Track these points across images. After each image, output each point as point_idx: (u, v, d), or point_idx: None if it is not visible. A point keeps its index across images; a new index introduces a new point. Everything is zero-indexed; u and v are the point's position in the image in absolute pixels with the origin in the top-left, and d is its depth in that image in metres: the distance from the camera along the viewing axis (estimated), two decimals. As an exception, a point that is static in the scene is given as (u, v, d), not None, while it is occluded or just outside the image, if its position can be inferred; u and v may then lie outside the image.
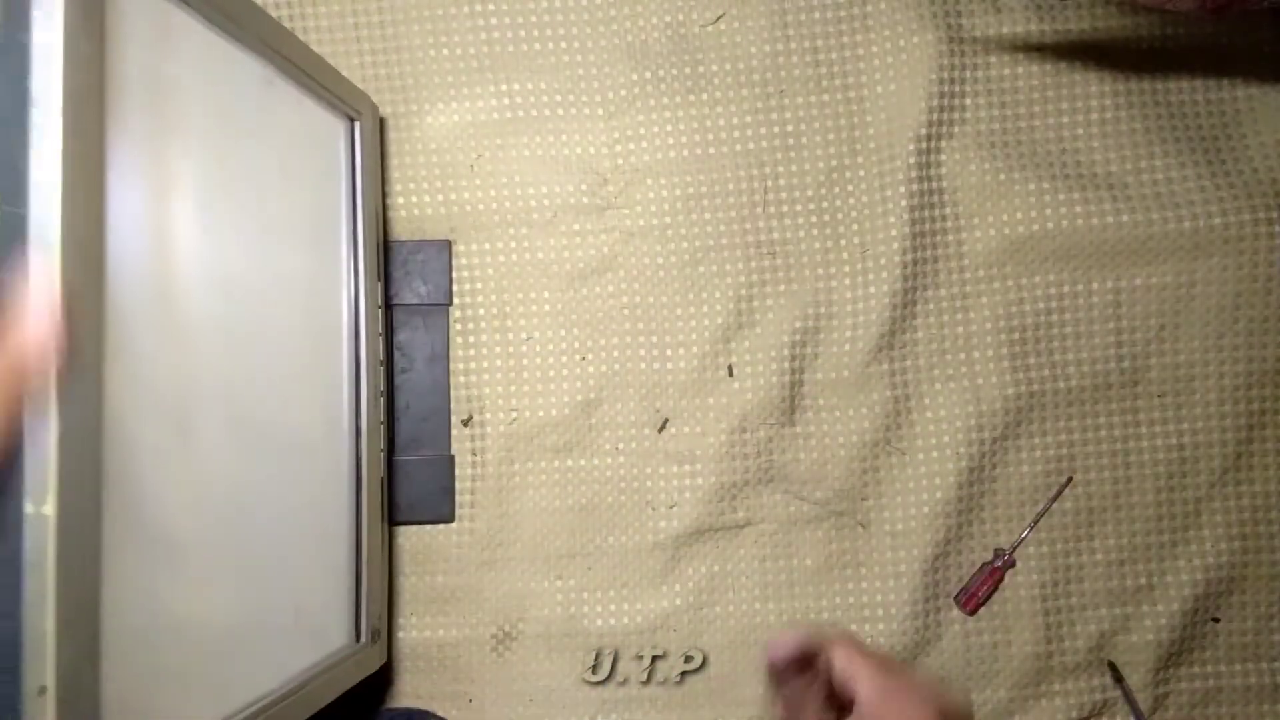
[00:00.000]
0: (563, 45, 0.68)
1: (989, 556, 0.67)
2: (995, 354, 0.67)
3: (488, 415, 0.68)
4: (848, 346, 0.67)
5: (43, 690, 0.32)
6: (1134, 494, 0.67)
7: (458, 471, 0.67)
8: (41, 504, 0.32)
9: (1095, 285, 0.67)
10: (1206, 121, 0.67)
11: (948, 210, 0.67)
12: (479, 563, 0.67)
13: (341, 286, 0.59)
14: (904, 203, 0.67)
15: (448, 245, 0.68)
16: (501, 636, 0.67)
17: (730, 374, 0.67)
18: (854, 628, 0.66)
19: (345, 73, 0.63)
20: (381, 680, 0.66)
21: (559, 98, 0.68)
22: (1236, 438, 0.66)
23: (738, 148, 0.68)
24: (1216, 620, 0.66)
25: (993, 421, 0.67)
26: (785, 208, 0.68)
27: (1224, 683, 0.66)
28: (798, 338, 0.67)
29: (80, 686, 0.33)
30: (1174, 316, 0.66)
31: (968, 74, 0.67)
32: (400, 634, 0.67)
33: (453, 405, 0.68)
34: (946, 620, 0.67)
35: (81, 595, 0.33)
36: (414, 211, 0.68)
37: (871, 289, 0.67)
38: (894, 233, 0.67)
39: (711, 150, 0.68)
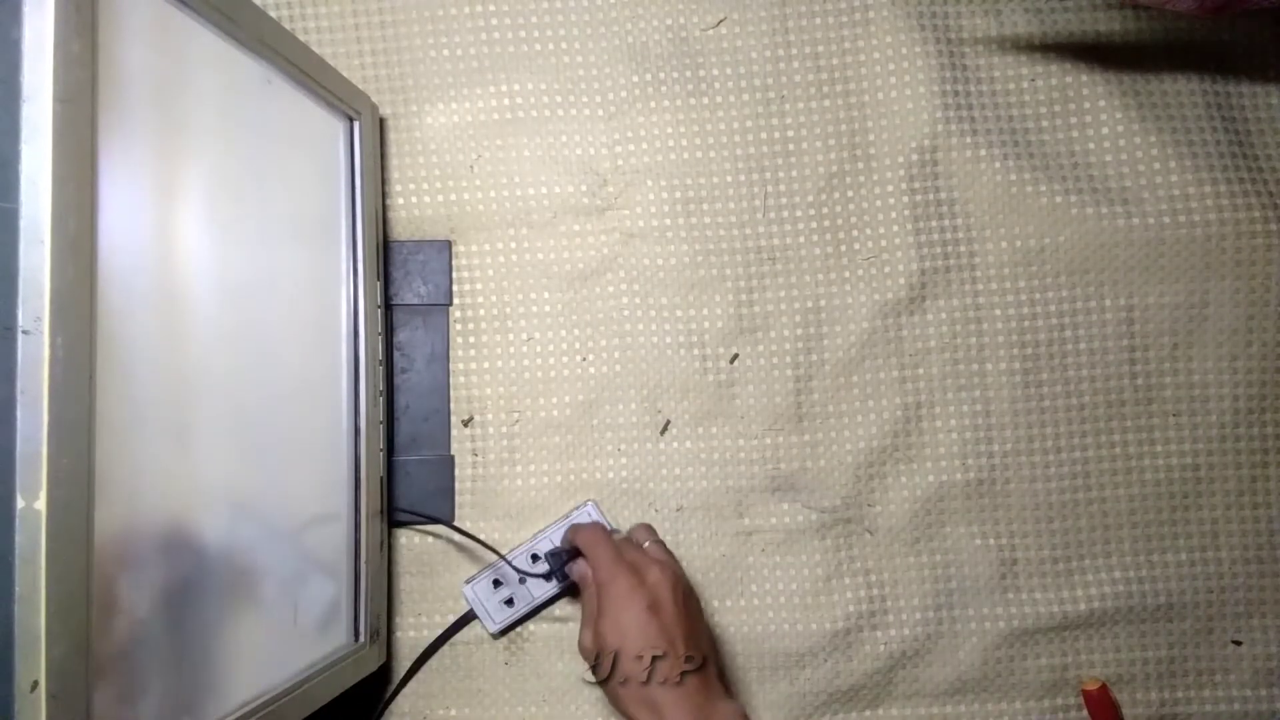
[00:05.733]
0: (563, 46, 0.68)
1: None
2: (1009, 367, 0.66)
3: (488, 416, 0.68)
4: (854, 353, 0.67)
5: (35, 686, 0.32)
6: (1149, 511, 0.66)
7: (457, 472, 0.67)
8: (33, 499, 0.32)
9: (1109, 302, 0.66)
10: (1213, 137, 0.66)
11: (959, 220, 0.67)
12: (485, 561, 0.67)
13: (341, 286, 0.60)
14: (907, 211, 0.67)
15: (448, 245, 0.68)
16: (513, 636, 0.67)
17: (732, 362, 0.67)
18: (865, 634, 0.66)
19: (345, 73, 0.63)
20: (381, 680, 0.66)
21: (559, 98, 0.68)
22: (1251, 460, 0.66)
23: (738, 151, 0.68)
24: (1238, 643, 0.66)
25: (1002, 435, 0.66)
26: (785, 213, 0.68)
27: (1249, 707, 0.65)
28: (800, 344, 0.67)
29: (72, 683, 0.33)
30: (1187, 336, 0.66)
31: (973, 86, 0.67)
32: (407, 633, 0.67)
33: (453, 405, 0.68)
34: (964, 632, 0.66)
35: (74, 591, 0.33)
36: (414, 211, 0.68)
37: (876, 296, 0.67)
38: (898, 240, 0.67)
39: (712, 154, 0.68)
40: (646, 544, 0.61)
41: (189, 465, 0.43)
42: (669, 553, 0.61)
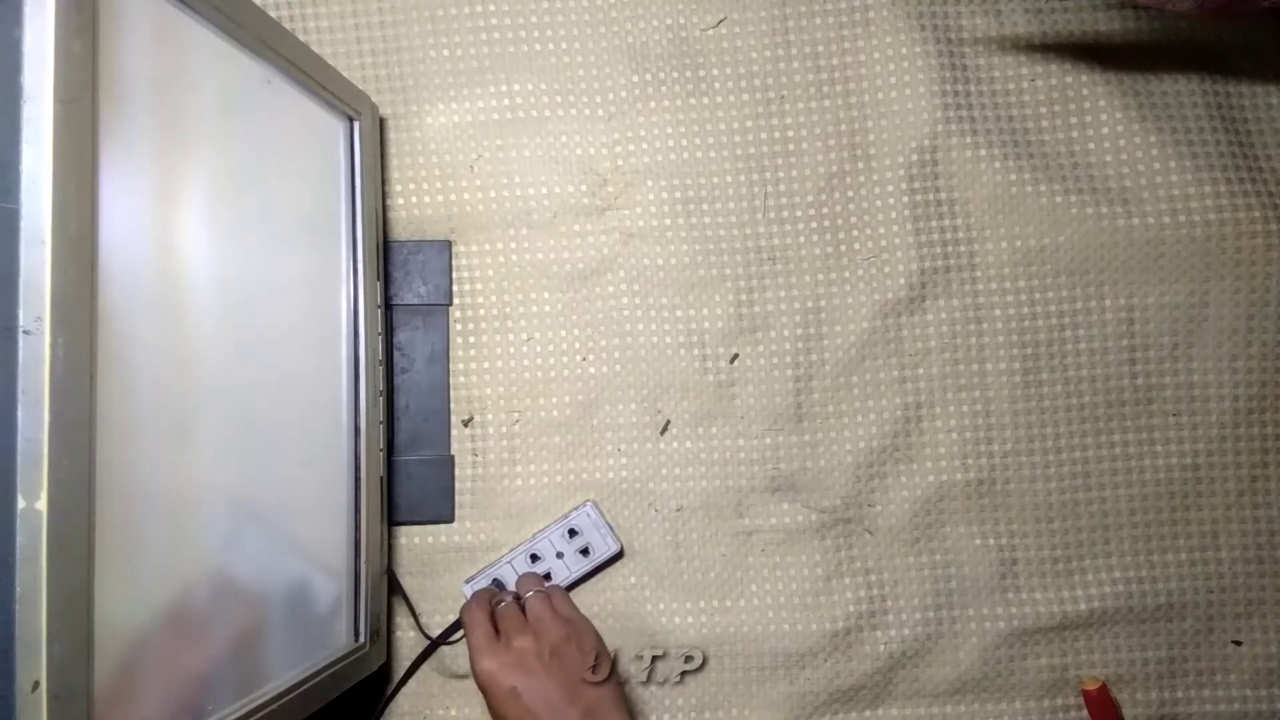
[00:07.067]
0: (563, 46, 0.68)
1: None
2: (1009, 367, 0.66)
3: (488, 416, 0.68)
4: (854, 353, 0.67)
5: (36, 686, 0.32)
6: (1150, 511, 0.66)
7: (457, 472, 0.67)
8: (34, 499, 0.32)
9: (1109, 302, 0.66)
10: (1213, 137, 0.66)
11: (959, 220, 0.67)
12: (485, 561, 0.67)
13: (341, 286, 0.60)
14: (907, 211, 0.67)
15: (448, 245, 0.68)
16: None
17: (733, 362, 0.67)
18: (865, 634, 0.66)
19: (345, 73, 0.63)
20: (381, 680, 0.66)
21: (559, 98, 0.68)
22: (1251, 460, 0.66)
23: (738, 151, 0.68)
24: (1238, 643, 0.66)
25: (1002, 435, 0.66)
26: (785, 213, 0.68)
27: (1249, 707, 0.66)
28: (800, 344, 0.67)
29: (73, 683, 0.33)
30: (1187, 336, 0.66)
31: (973, 86, 0.67)
32: (407, 633, 0.67)
33: (453, 405, 0.68)
34: (964, 632, 0.66)
35: (74, 591, 0.34)
36: (414, 211, 0.68)
37: (876, 296, 0.67)
38: (898, 240, 0.67)
39: (712, 154, 0.68)
40: (529, 595, 0.61)
41: (189, 465, 0.43)
42: (548, 603, 0.60)
